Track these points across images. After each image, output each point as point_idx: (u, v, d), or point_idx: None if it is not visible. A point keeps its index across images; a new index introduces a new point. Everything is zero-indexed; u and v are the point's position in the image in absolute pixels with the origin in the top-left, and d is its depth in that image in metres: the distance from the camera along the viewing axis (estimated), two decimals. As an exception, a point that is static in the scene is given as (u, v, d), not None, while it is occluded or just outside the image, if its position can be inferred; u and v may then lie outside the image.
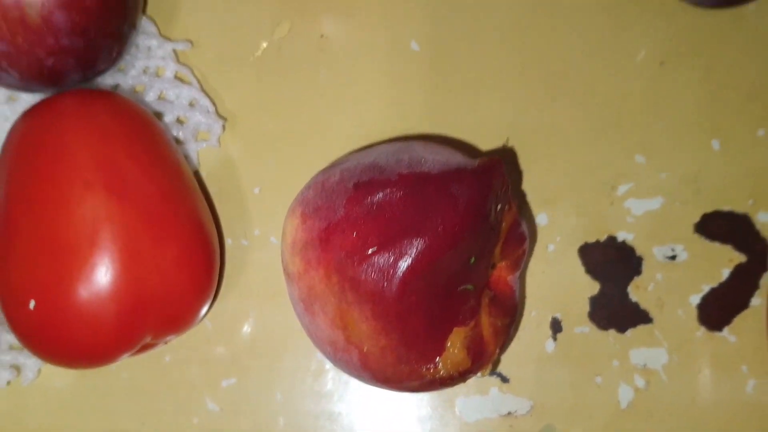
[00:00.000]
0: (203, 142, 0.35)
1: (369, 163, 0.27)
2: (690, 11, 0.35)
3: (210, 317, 0.34)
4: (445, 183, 0.26)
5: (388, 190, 0.26)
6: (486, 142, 0.35)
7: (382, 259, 0.25)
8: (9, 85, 0.31)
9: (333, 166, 0.29)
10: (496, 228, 0.27)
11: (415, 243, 0.25)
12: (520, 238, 0.29)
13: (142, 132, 0.30)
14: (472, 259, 0.26)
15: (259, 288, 0.35)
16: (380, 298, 0.25)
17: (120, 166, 0.28)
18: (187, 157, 0.34)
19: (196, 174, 0.35)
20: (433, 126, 0.35)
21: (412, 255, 0.25)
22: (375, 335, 0.26)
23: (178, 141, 0.34)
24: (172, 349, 0.34)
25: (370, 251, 0.25)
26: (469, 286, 0.27)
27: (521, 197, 0.34)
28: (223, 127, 0.35)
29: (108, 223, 0.27)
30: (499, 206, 0.27)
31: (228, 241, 0.35)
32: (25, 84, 0.31)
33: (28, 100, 0.34)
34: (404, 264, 0.25)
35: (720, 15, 0.35)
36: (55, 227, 0.27)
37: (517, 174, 0.35)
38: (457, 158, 0.28)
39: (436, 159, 0.27)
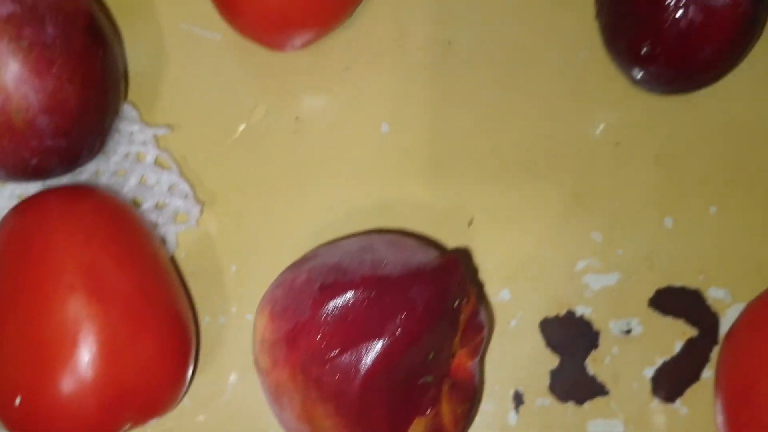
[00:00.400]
0: (182, 225, 0.36)
1: (334, 263, 0.29)
2: (645, 96, 0.37)
3: (189, 391, 0.36)
4: (404, 286, 0.28)
5: (351, 294, 0.28)
6: (452, 219, 0.37)
7: (344, 361, 0.27)
8: (-5, 180, 0.33)
9: (302, 262, 0.31)
10: (454, 322, 0.29)
11: (376, 345, 0.27)
12: (478, 327, 0.31)
13: (122, 229, 0.32)
14: (431, 355, 0.28)
15: (236, 361, 0.36)
16: (343, 396, 0.27)
17: (101, 268, 0.30)
18: (165, 239, 0.36)
19: (173, 256, 0.37)
20: (400, 209, 0.37)
21: (372, 357, 0.27)
22: (338, 430, 0.27)
23: (156, 225, 0.36)
24: (153, 422, 0.36)
25: (332, 353, 0.27)
26: (429, 378, 0.29)
27: (480, 285, 0.36)
28: (201, 210, 0.37)
29: (89, 322, 0.29)
30: (456, 302, 0.29)
31: (206, 319, 0.36)
32: (11, 179, 0.33)
33: (12, 187, 0.35)
34: (364, 365, 0.27)
35: (673, 100, 0.37)
36: (39, 326, 0.29)
37: (479, 256, 0.37)
38: (417, 256, 0.30)
39: (397, 260, 0.29)
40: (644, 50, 0.33)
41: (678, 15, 0.32)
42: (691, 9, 0.32)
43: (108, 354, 0.29)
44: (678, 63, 0.33)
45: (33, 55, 0.30)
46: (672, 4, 0.32)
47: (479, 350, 0.31)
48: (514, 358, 0.36)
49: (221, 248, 0.37)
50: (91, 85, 0.32)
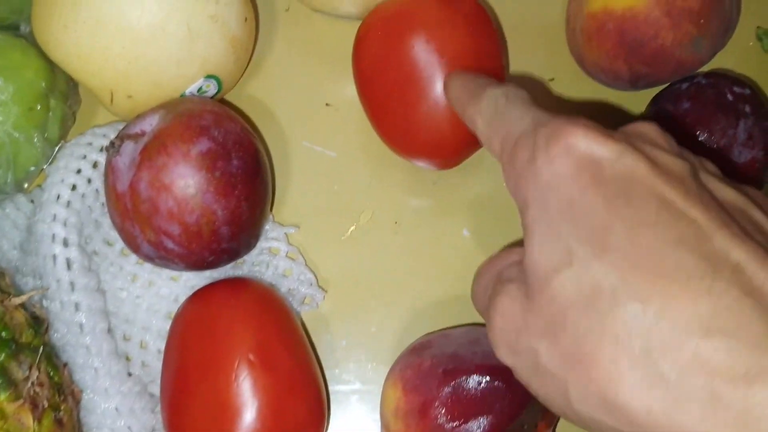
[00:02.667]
0: (307, 306, 0.45)
1: (452, 353, 0.38)
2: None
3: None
4: (509, 374, 0.37)
5: (468, 378, 0.37)
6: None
7: (463, 429, 0.36)
8: (173, 270, 0.41)
9: (421, 348, 0.39)
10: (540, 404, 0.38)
11: (486, 420, 0.36)
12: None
13: (277, 313, 0.40)
14: (525, 426, 0.37)
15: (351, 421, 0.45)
16: (462, 457, 0.36)
17: (267, 346, 0.38)
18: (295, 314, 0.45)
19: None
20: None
21: (483, 429, 0.36)
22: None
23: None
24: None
25: (454, 424, 0.36)
26: (521, 443, 0.38)
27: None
28: (324, 296, 0.45)
29: (262, 391, 0.37)
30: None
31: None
32: (188, 270, 0.41)
33: (186, 276, 0.44)
34: (479, 433, 0.36)
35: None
36: (222, 392, 0.37)
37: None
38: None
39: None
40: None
41: (709, 165, 0.42)
42: (722, 163, 0.42)
43: (272, 415, 0.37)
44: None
45: (222, 182, 0.38)
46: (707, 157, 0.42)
47: (554, 421, 0.40)
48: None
49: (334, 326, 0.46)
50: (256, 200, 0.41)
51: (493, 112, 0.31)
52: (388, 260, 0.47)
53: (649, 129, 0.28)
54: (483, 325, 0.44)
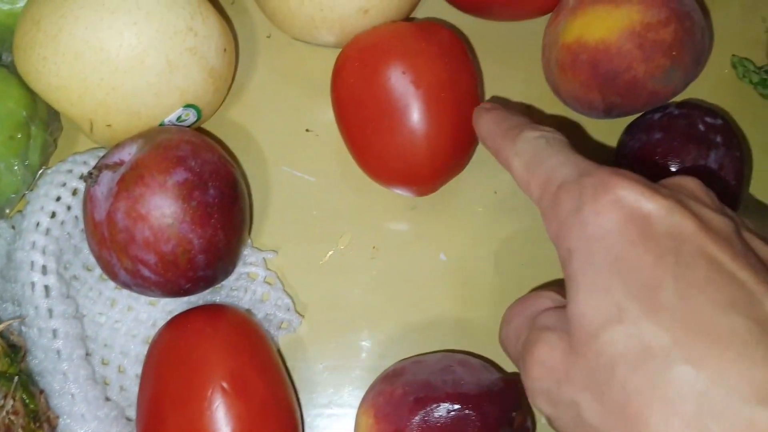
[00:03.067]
0: (284, 331, 0.46)
1: (423, 380, 0.39)
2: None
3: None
4: (479, 402, 0.37)
5: (439, 406, 0.37)
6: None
7: (435, 458, 0.36)
8: (149, 296, 0.42)
9: (393, 376, 0.40)
10: (511, 428, 0.39)
11: (458, 447, 0.36)
12: (526, 430, 0.40)
13: (252, 339, 0.41)
14: (495, 454, 0.38)
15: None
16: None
17: (241, 372, 0.39)
18: (271, 340, 0.45)
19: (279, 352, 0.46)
20: (458, 328, 0.47)
21: (456, 456, 0.36)
22: None
23: (267, 332, 0.45)
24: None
25: (426, 452, 0.36)
26: (491, 470, 0.38)
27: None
28: (301, 321, 0.46)
29: (235, 418, 0.38)
30: (514, 413, 0.39)
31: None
32: (165, 297, 0.42)
33: (164, 302, 0.44)
34: (450, 462, 0.36)
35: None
36: (196, 418, 0.38)
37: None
38: (485, 375, 0.39)
39: (471, 380, 0.38)
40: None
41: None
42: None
43: (247, 443, 0.38)
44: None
45: (198, 211, 0.39)
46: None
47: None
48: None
49: (311, 351, 0.46)
50: (233, 229, 0.41)
51: (531, 156, 0.31)
52: (366, 285, 0.47)
53: (693, 184, 0.28)
54: (457, 351, 0.45)
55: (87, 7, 0.39)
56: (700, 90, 0.49)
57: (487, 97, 0.50)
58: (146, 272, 0.39)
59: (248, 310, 0.45)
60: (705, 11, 0.51)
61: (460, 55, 0.45)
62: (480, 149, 0.49)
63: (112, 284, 0.44)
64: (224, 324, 0.41)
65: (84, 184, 0.40)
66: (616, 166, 0.45)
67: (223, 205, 0.40)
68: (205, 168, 0.40)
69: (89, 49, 0.39)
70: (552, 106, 0.49)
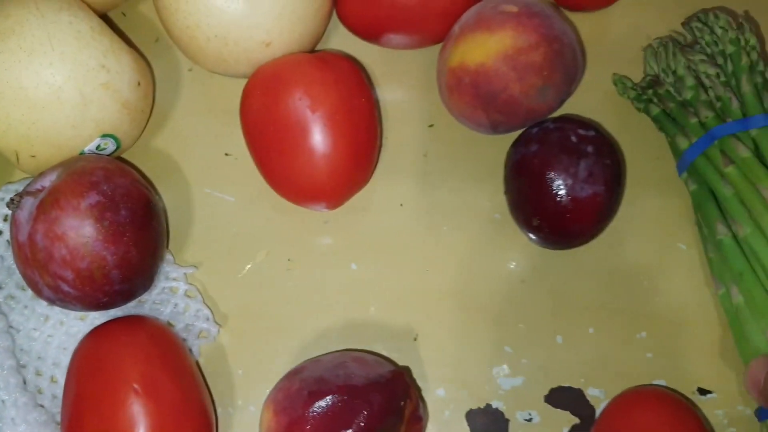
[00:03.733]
0: (203, 340, 0.50)
1: (318, 376, 0.42)
2: (540, 249, 0.52)
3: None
4: (366, 393, 0.41)
5: (329, 398, 0.41)
6: (403, 336, 0.51)
7: (324, 445, 0.40)
8: (73, 310, 0.46)
9: (294, 373, 0.44)
10: (400, 416, 0.43)
11: (346, 434, 0.40)
12: (418, 419, 0.44)
13: (167, 347, 0.45)
14: (384, 438, 0.42)
15: (241, 443, 0.49)
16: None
17: (154, 377, 0.43)
18: (191, 350, 0.49)
19: (197, 363, 0.50)
20: (365, 330, 0.51)
21: (344, 443, 0.40)
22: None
23: (186, 340, 0.49)
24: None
25: (317, 440, 0.40)
26: (382, 456, 0.42)
27: (418, 387, 0.50)
28: (219, 330, 0.50)
29: (146, 416, 0.42)
30: (402, 402, 0.42)
31: (219, 410, 0.49)
32: (85, 310, 0.46)
33: (94, 317, 0.48)
34: (338, 448, 0.40)
35: (559, 253, 0.52)
36: (111, 420, 0.41)
37: (422, 363, 0.50)
38: (376, 369, 0.43)
39: (361, 373, 0.42)
40: (535, 223, 0.48)
41: (556, 201, 0.47)
42: (565, 198, 0.47)
43: (158, 439, 0.42)
44: (558, 233, 0.48)
45: (111, 230, 0.43)
46: (552, 193, 0.47)
47: (415, 429, 0.45)
48: (446, 440, 0.49)
49: (231, 357, 0.50)
50: (147, 246, 0.45)
51: None
52: (282, 294, 0.51)
53: None
54: (357, 350, 0.49)
55: (6, 51, 0.43)
56: (586, 104, 0.54)
57: (388, 118, 0.55)
58: (66, 287, 0.43)
59: (168, 322, 0.49)
60: (578, 34, 0.56)
61: (357, 82, 0.49)
62: (384, 163, 0.53)
63: (44, 302, 0.48)
64: (140, 333, 0.45)
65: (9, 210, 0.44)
66: (505, 176, 0.50)
67: (136, 224, 0.44)
68: (117, 191, 0.44)
69: (9, 89, 0.43)
70: (450, 125, 0.54)
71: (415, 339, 0.51)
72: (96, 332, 0.45)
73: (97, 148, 0.47)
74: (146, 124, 0.52)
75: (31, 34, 0.43)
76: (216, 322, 0.50)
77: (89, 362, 0.44)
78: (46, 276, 0.43)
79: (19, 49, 0.43)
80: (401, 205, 0.53)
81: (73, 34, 0.44)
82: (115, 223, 0.43)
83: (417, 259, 0.52)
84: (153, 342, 0.45)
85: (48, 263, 0.42)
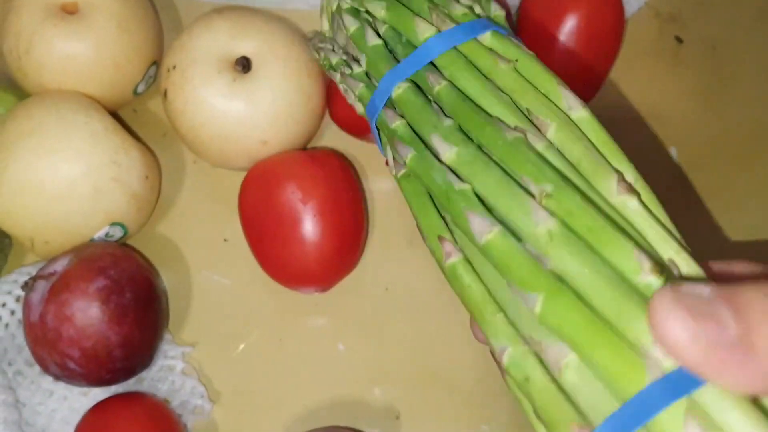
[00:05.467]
0: (198, 416, 0.53)
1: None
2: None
3: None
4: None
5: (313, 473, 0.44)
6: (386, 414, 0.54)
7: None
8: (79, 386, 0.49)
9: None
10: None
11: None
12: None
13: (165, 424, 0.48)
14: None
15: None
16: None
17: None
18: (186, 425, 0.52)
19: (192, 439, 0.53)
20: (351, 407, 0.54)
21: None
22: None
23: (181, 416, 0.52)
24: None
25: None
26: None
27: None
28: (212, 407, 0.53)
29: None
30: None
31: (211, 484, 0.52)
32: (88, 386, 0.49)
33: (96, 392, 0.51)
34: None
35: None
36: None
37: (402, 441, 0.53)
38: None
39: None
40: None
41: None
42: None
43: None
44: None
45: (116, 312, 0.47)
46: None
47: None
48: None
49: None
50: (149, 326, 0.49)
51: None
52: (273, 373, 0.55)
53: None
54: (338, 427, 0.52)
55: (29, 149, 0.48)
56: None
57: (375, 208, 0.59)
58: (72, 365, 0.47)
59: (165, 399, 0.52)
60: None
61: (344, 176, 0.54)
62: (371, 249, 0.58)
63: (50, 377, 0.52)
64: (139, 409, 0.48)
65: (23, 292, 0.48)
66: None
67: (138, 306, 0.48)
68: (122, 275, 0.48)
69: (29, 183, 0.48)
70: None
71: (397, 417, 0.54)
72: (98, 407, 0.48)
73: (106, 235, 0.52)
74: (152, 212, 0.56)
75: (51, 134, 0.48)
76: (210, 399, 0.53)
77: (91, 438, 0.47)
78: (55, 354, 0.46)
79: (40, 147, 0.48)
80: (386, 289, 0.57)
81: (88, 133, 0.49)
82: (120, 306, 0.47)
83: (400, 340, 0.56)
84: (150, 418, 0.48)
85: (57, 342, 0.46)
